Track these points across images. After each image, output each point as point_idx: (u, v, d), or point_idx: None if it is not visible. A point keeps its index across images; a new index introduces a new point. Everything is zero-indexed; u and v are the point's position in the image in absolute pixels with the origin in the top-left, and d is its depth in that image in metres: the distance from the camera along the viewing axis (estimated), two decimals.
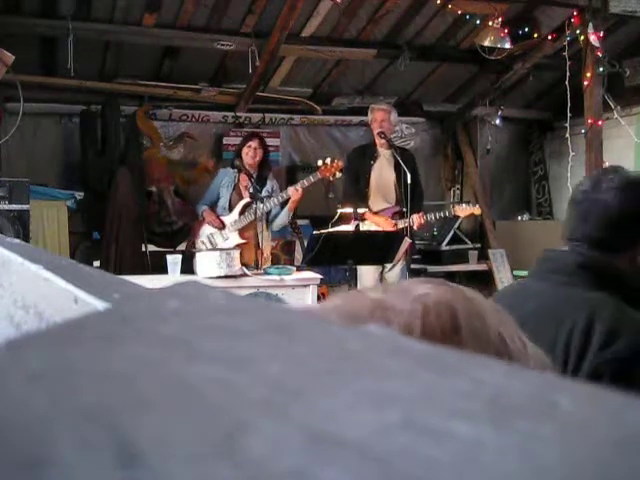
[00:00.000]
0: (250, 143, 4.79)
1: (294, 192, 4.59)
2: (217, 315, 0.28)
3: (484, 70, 6.18)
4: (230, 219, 4.79)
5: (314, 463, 0.17)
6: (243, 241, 4.70)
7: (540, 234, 6.17)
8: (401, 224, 4.71)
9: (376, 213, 4.87)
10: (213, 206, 4.89)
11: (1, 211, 4.39)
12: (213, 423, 0.18)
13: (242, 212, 4.75)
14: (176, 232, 5.72)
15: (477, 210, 4.93)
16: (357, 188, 4.88)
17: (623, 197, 1.42)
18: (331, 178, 4.72)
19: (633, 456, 0.17)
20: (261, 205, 4.52)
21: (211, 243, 4.79)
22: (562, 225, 1.54)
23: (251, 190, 4.63)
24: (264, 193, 4.67)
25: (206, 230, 4.85)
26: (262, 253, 4.48)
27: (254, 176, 4.71)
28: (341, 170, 4.69)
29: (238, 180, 4.83)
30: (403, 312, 0.65)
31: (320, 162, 4.65)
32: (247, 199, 4.73)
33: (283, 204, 4.74)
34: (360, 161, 4.96)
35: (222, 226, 4.80)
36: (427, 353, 0.23)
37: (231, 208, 4.81)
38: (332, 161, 4.63)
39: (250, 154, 4.74)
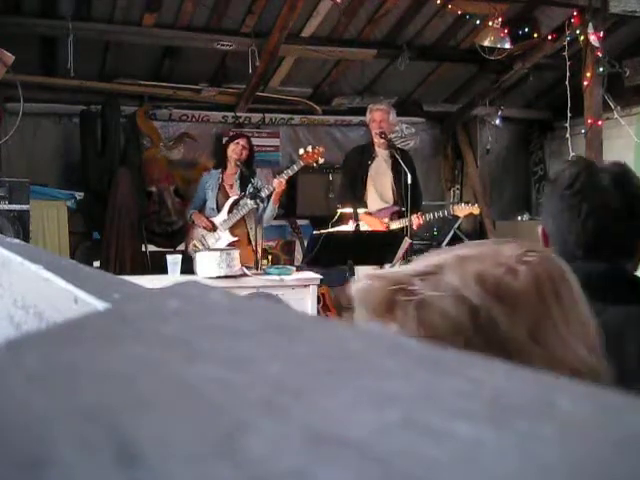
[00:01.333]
0: (238, 140, 4.89)
1: (278, 183, 4.61)
2: (217, 315, 0.28)
3: (484, 70, 6.18)
4: (219, 219, 4.81)
5: (314, 463, 0.17)
6: (235, 239, 4.72)
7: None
8: (396, 225, 4.71)
9: (371, 214, 4.87)
10: (202, 209, 4.92)
11: (1, 211, 4.39)
12: (213, 423, 0.18)
13: (230, 210, 4.78)
14: (176, 232, 5.72)
15: (476, 210, 4.93)
16: (354, 188, 4.88)
17: (624, 192, 1.24)
18: (314, 165, 4.77)
19: (633, 456, 0.17)
20: (253, 199, 4.54)
21: (203, 245, 4.80)
22: (554, 234, 1.30)
23: (238, 181, 4.69)
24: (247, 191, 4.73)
25: (198, 233, 4.86)
26: (255, 250, 4.50)
27: (241, 169, 4.76)
28: (323, 156, 4.73)
29: (222, 180, 4.87)
30: (518, 268, 0.67)
31: (302, 150, 4.71)
32: (235, 197, 4.77)
33: (269, 198, 4.76)
34: (357, 161, 4.97)
35: (212, 227, 4.81)
36: (427, 353, 0.23)
37: (219, 208, 4.83)
38: (313, 148, 4.69)
39: (237, 150, 4.80)
